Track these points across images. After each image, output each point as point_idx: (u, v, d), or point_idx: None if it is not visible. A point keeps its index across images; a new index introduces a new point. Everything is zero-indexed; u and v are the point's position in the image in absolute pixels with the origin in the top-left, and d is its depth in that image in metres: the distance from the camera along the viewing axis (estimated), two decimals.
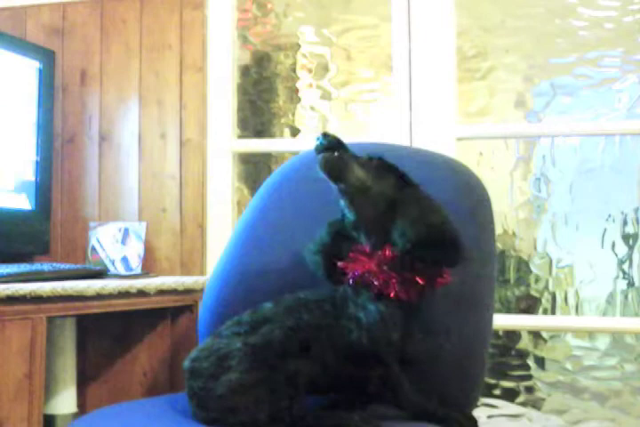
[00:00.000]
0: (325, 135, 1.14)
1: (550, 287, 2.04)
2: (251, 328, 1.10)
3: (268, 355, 1.05)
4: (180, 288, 1.80)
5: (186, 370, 1.13)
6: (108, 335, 2.01)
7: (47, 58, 2.03)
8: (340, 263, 1.13)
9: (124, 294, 1.64)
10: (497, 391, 2.04)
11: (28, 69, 1.96)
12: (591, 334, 2.00)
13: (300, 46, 2.20)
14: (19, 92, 1.94)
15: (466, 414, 1.19)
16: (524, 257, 2.06)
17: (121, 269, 1.98)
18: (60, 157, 2.13)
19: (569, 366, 2.02)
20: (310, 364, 1.06)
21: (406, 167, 1.18)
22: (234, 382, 1.03)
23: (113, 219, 2.08)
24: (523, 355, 2.05)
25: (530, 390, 2.04)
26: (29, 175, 1.97)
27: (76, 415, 1.88)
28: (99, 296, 1.56)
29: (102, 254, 2.01)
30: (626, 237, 1.98)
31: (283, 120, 2.23)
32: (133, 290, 1.66)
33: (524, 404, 2.03)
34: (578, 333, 2.01)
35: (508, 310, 2.05)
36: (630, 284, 1.98)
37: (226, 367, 1.05)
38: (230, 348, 1.07)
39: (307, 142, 2.00)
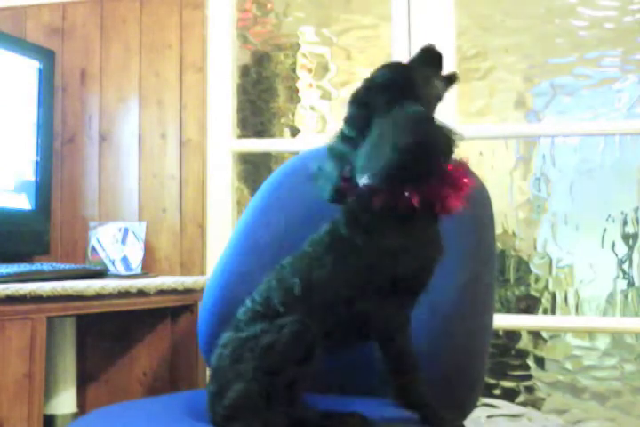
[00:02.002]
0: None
1: (550, 287, 2.04)
2: (270, 318, 1.10)
3: (270, 362, 1.04)
4: (180, 288, 1.80)
5: (212, 368, 1.12)
6: (108, 335, 2.01)
7: (47, 58, 2.03)
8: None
9: (124, 294, 1.64)
10: (497, 391, 2.04)
11: (28, 69, 1.96)
12: (591, 333, 2.00)
13: (299, 46, 2.20)
14: (19, 92, 1.94)
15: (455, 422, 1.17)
16: (524, 257, 2.06)
17: (121, 269, 1.98)
18: (60, 157, 2.13)
19: (569, 366, 2.02)
20: (312, 367, 1.06)
21: None
22: (239, 392, 1.03)
23: (113, 219, 2.08)
24: (523, 355, 2.05)
25: (530, 390, 2.04)
26: (29, 175, 1.97)
27: (75, 415, 1.88)
28: (99, 296, 1.56)
29: (102, 254, 2.01)
30: (626, 237, 1.98)
31: (283, 120, 2.23)
32: (133, 290, 1.66)
33: (524, 404, 2.03)
34: (578, 333, 2.01)
35: (508, 310, 2.05)
36: (630, 284, 1.98)
37: (238, 373, 1.05)
38: (243, 349, 1.07)
39: (306, 142, 2.00)
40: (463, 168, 1.12)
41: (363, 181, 1.08)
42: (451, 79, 1.17)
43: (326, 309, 1.09)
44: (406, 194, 1.07)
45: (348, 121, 1.14)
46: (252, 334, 1.08)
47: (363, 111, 1.12)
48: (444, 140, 1.07)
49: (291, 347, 1.04)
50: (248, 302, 1.15)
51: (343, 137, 1.14)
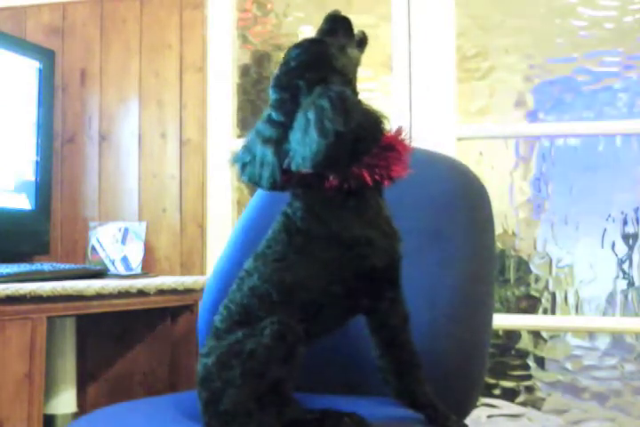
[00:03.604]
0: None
1: (550, 287, 2.04)
2: (251, 324, 1.08)
3: (256, 364, 1.03)
4: (180, 288, 1.80)
5: (199, 377, 1.10)
6: (108, 335, 2.01)
7: (47, 58, 2.03)
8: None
9: (124, 294, 1.64)
10: (497, 391, 2.04)
11: (28, 69, 1.96)
12: (591, 333, 2.00)
13: None
14: (19, 92, 1.94)
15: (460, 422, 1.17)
16: (524, 257, 2.06)
17: (121, 269, 1.98)
18: (60, 157, 2.13)
19: (569, 366, 2.02)
20: (296, 366, 1.05)
21: None
22: (233, 398, 1.02)
23: (113, 219, 2.08)
24: (523, 355, 2.05)
25: (530, 389, 2.04)
26: (29, 175, 1.97)
27: (75, 415, 1.88)
28: (99, 296, 1.56)
29: (102, 254, 2.01)
30: (626, 237, 1.98)
31: None
32: (133, 290, 1.66)
33: (524, 404, 2.03)
34: (578, 333, 2.01)
35: (508, 310, 2.05)
36: (630, 284, 1.98)
37: (227, 380, 1.04)
38: (229, 356, 1.05)
39: None
40: (398, 135, 1.10)
41: (302, 168, 1.03)
42: (363, 41, 1.15)
43: (309, 307, 1.07)
44: (355, 172, 1.05)
45: (274, 106, 1.10)
46: (235, 341, 1.06)
47: (286, 95, 1.09)
48: (371, 118, 1.04)
49: (273, 347, 1.03)
50: (224, 311, 1.12)
51: (271, 121, 1.11)
